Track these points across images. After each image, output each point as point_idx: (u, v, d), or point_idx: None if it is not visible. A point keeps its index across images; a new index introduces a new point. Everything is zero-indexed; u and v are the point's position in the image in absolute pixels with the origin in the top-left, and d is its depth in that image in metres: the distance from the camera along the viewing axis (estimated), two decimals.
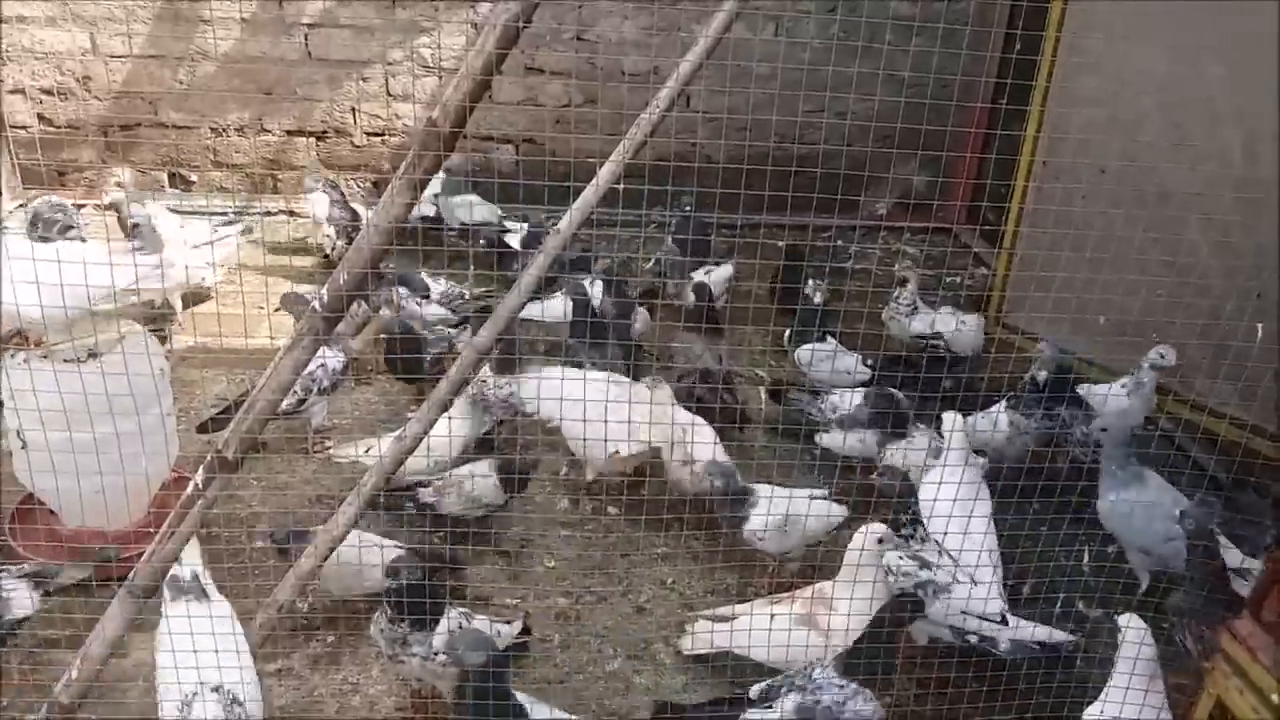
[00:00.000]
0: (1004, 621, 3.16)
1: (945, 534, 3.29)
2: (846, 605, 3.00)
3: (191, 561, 2.94)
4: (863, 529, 3.07)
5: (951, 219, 7.03)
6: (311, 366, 3.84)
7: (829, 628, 3.02)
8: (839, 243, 6.74)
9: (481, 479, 3.76)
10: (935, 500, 3.35)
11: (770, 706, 2.83)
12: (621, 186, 3.31)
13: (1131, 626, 2.83)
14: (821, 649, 3.02)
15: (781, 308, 5.29)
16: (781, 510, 3.55)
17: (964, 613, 3.16)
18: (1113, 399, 4.11)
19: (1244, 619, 2.59)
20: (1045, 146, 5.15)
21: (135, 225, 5.10)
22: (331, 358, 4.27)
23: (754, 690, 2.96)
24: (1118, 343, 4.43)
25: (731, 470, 3.68)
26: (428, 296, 5.06)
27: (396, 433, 3.44)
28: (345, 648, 3.38)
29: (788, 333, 4.95)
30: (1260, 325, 3.82)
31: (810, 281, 5.08)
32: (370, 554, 3.22)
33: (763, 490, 3.64)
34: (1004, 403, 4.23)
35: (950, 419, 3.71)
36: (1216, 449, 4.14)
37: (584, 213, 3.28)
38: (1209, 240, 4.37)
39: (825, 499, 3.63)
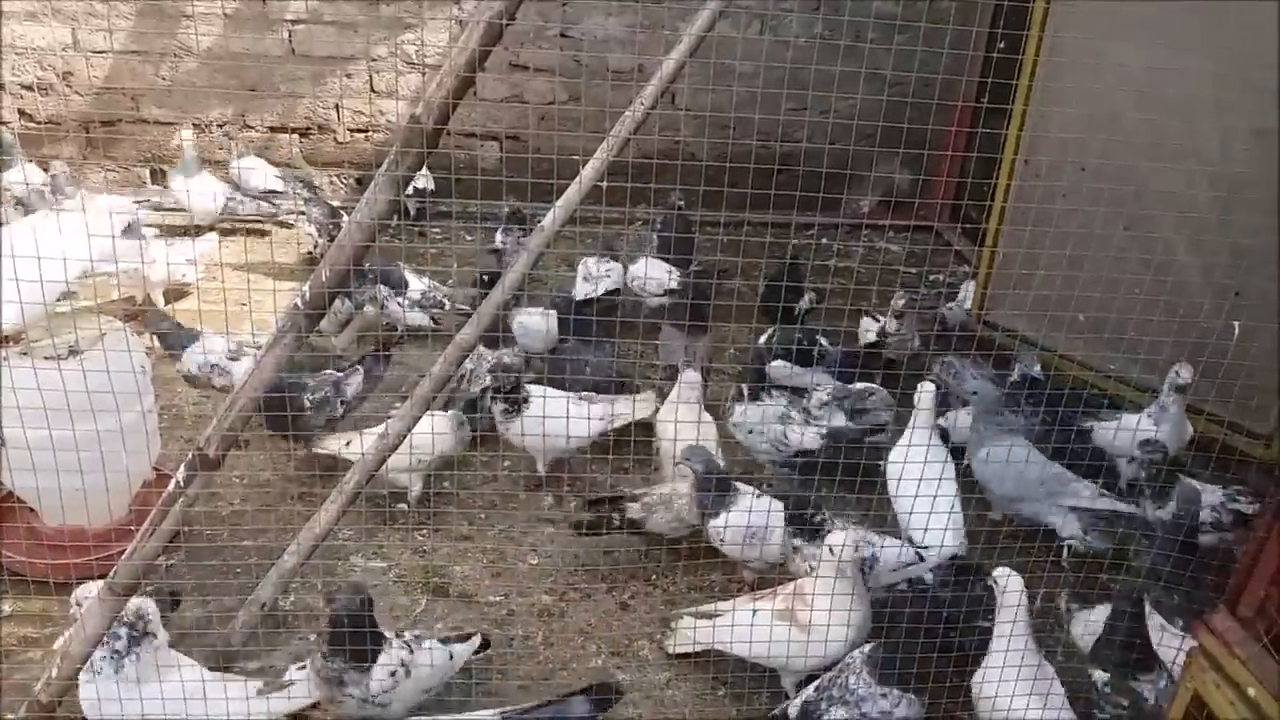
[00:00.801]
0: (922, 559, 3.41)
1: (915, 496, 3.49)
2: (823, 602, 3.01)
3: None
4: (837, 533, 3.09)
5: (934, 217, 7.07)
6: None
7: (809, 623, 3.04)
8: (823, 240, 6.76)
9: (685, 500, 3.68)
10: (904, 463, 3.62)
11: None
12: (605, 184, 3.32)
13: (1010, 579, 2.92)
14: (802, 644, 3.05)
15: (766, 305, 5.30)
16: (757, 521, 3.47)
17: (893, 570, 3.40)
18: (1141, 433, 3.97)
19: (1220, 613, 2.61)
20: (1027, 145, 5.18)
21: (128, 226, 5.06)
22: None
23: (792, 710, 2.98)
24: (1097, 339, 4.46)
25: (709, 458, 3.63)
26: (405, 288, 5.05)
27: (378, 429, 3.46)
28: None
29: (766, 335, 4.92)
30: (1237, 323, 3.86)
31: (806, 295, 5.19)
32: None
33: (746, 493, 3.59)
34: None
35: (924, 389, 3.81)
36: (1193, 445, 4.17)
37: (568, 210, 3.30)
38: (1185, 237, 4.41)
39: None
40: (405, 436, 3.25)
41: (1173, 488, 3.62)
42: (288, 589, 3.42)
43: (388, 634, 2.94)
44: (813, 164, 5.98)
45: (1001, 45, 5.28)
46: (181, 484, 2.69)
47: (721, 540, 3.55)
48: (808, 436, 4.11)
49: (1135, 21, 4.65)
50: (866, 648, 2.98)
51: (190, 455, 2.69)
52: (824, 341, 4.80)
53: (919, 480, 3.49)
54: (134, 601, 2.76)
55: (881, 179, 6.50)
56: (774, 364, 4.72)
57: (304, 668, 2.92)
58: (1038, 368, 4.30)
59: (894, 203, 6.41)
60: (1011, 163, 5.27)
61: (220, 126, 6.66)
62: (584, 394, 4.18)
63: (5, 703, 3.00)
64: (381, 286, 4.99)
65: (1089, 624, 3.19)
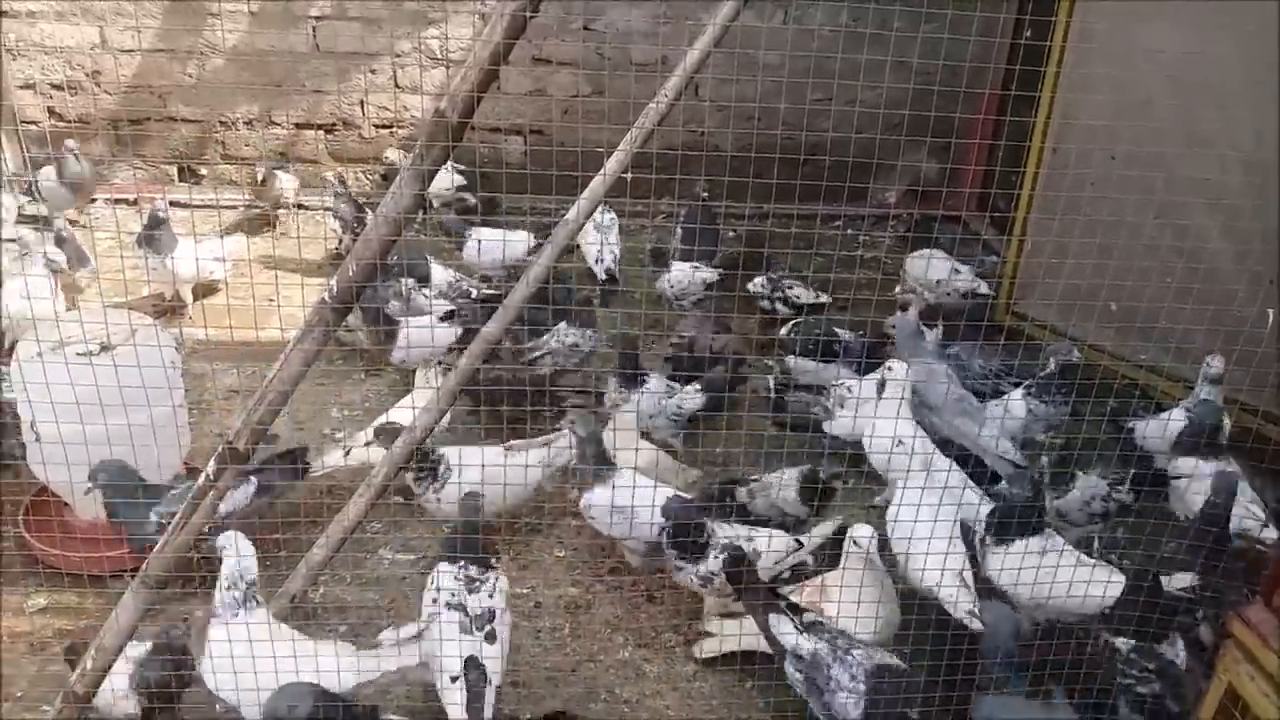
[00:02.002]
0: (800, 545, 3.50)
1: (888, 470, 3.78)
2: (848, 595, 2.98)
3: None
4: (862, 526, 3.10)
5: (961, 206, 7.01)
6: None
7: (835, 615, 3.02)
8: (849, 231, 6.72)
9: (786, 488, 3.70)
10: (874, 436, 3.79)
11: None
12: (629, 176, 3.31)
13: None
14: None
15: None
16: (622, 499, 3.40)
17: (776, 562, 3.47)
18: (1173, 424, 3.92)
19: (1256, 605, 2.58)
20: (1055, 133, 5.12)
21: (152, 219, 5.12)
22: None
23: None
24: (1128, 329, 4.41)
25: (596, 434, 3.62)
26: (427, 281, 5.06)
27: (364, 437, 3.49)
28: (356, 640, 3.39)
29: (787, 328, 4.91)
30: (1272, 311, 3.80)
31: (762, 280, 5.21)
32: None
33: (626, 473, 3.53)
34: (1022, 389, 4.20)
35: (895, 365, 3.90)
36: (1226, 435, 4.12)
37: (593, 203, 3.29)
38: (1218, 224, 4.34)
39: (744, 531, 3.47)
40: (431, 431, 3.26)
41: (1072, 477, 3.70)
42: (316, 581, 3.44)
43: None
44: (839, 154, 5.96)
45: (1028, 33, 5.22)
46: (212, 477, 2.71)
47: (590, 514, 3.57)
48: (692, 400, 4.26)
49: (1164, 5, 4.59)
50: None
51: (220, 449, 2.71)
52: (845, 334, 4.77)
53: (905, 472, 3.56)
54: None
55: (908, 169, 6.46)
56: (795, 360, 4.71)
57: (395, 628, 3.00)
58: (1075, 354, 4.23)
59: (921, 192, 6.37)
60: (1040, 151, 5.22)
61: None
62: (509, 443, 3.89)
63: (40, 694, 3.05)
64: (406, 280, 5.00)
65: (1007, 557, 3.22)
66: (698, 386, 4.32)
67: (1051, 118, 5.13)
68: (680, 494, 3.58)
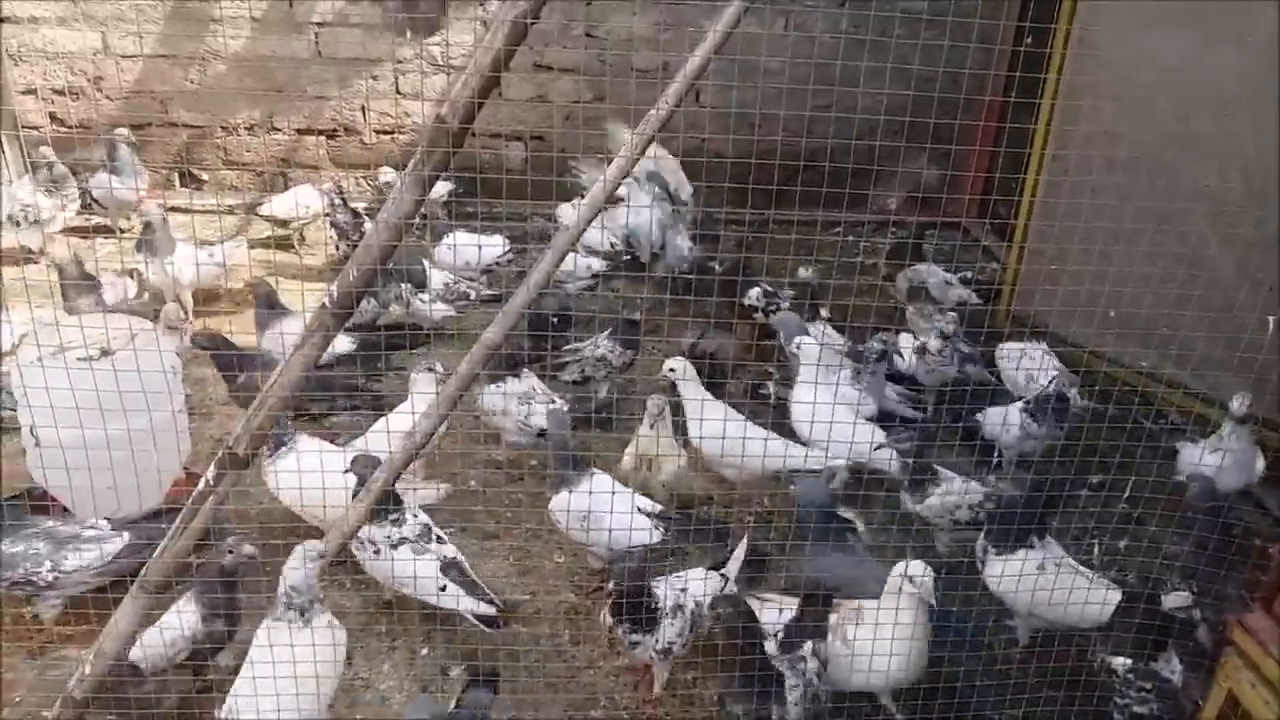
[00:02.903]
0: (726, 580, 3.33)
1: (811, 433, 3.92)
2: (879, 625, 2.93)
3: None
4: (916, 563, 2.97)
5: (961, 213, 7.01)
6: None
7: (854, 638, 3.00)
8: (849, 238, 6.73)
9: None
10: (800, 403, 4.02)
11: None
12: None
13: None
14: (845, 659, 3.01)
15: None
16: (583, 505, 3.43)
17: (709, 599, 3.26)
18: (1203, 467, 3.80)
19: (1256, 612, 2.58)
20: (1056, 139, 5.13)
21: (148, 224, 5.14)
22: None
23: None
24: (1128, 335, 4.41)
25: (565, 422, 3.74)
26: (424, 285, 5.06)
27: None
28: (356, 644, 3.39)
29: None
30: (1272, 318, 3.80)
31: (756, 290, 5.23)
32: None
33: (598, 477, 3.54)
34: (1019, 404, 4.19)
35: (808, 345, 4.20)
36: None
37: (593, 209, 3.29)
38: (1219, 231, 4.35)
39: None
40: (434, 434, 3.26)
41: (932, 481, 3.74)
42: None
43: None
44: (839, 160, 5.97)
45: (1029, 40, 5.23)
46: (211, 482, 2.71)
47: (556, 516, 3.56)
48: (539, 416, 4.11)
49: (1164, 13, 4.60)
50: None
51: (220, 454, 2.71)
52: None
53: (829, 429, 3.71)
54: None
55: (909, 175, 6.46)
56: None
57: None
58: (1074, 391, 4.19)
59: (921, 199, 6.37)
60: (1040, 158, 5.23)
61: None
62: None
63: (40, 699, 3.04)
64: (405, 284, 5.01)
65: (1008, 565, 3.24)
66: (556, 400, 4.19)
67: (1051, 124, 5.14)
68: (632, 549, 3.33)
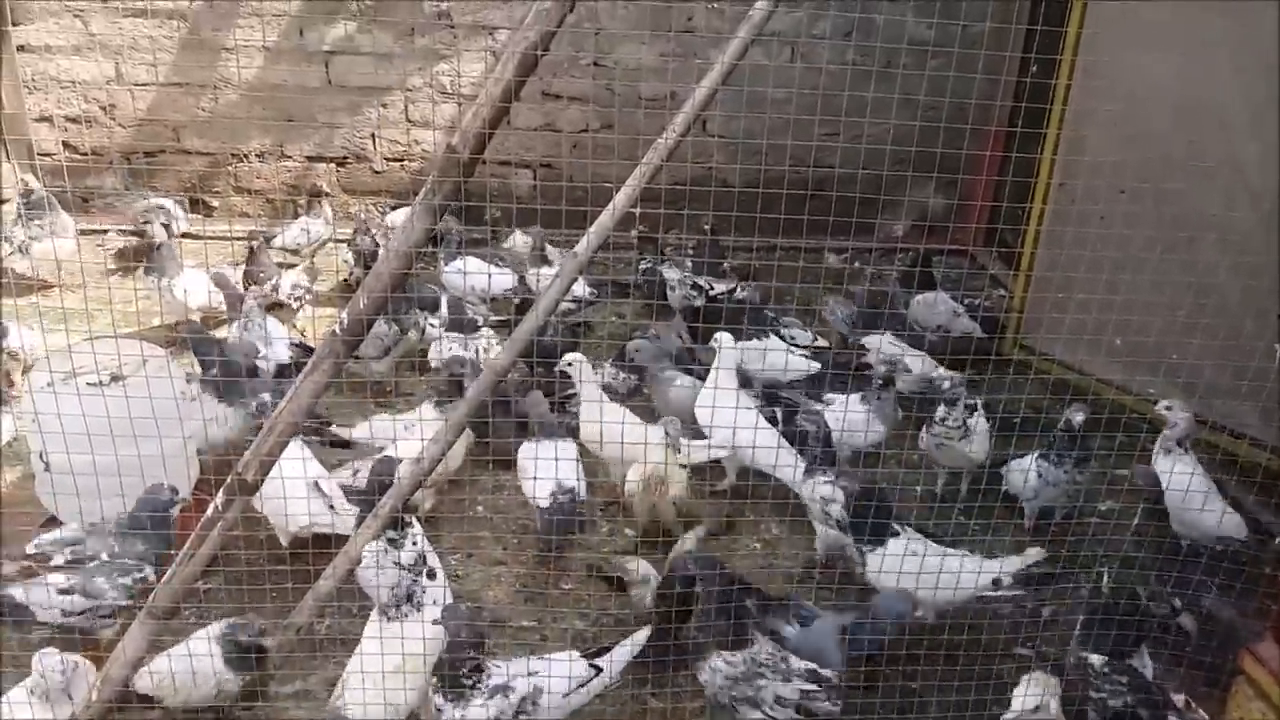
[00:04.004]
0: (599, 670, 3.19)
1: (711, 428, 4.08)
2: None
3: None
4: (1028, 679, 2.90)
5: (968, 241, 7.04)
6: None
7: None
8: (856, 264, 6.75)
9: None
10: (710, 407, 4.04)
11: None
12: (638, 210, 3.33)
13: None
14: None
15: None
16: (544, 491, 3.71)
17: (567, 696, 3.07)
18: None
19: (1266, 641, 2.57)
20: (1061, 168, 5.16)
21: (157, 246, 5.19)
22: None
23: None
24: (1136, 363, 4.41)
25: (541, 405, 4.01)
26: (435, 310, 5.09)
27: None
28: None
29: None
30: (1279, 346, 3.80)
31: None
32: None
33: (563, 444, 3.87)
34: (1035, 453, 4.08)
35: (723, 339, 4.21)
36: (1236, 470, 4.10)
37: (601, 236, 3.31)
38: (1226, 259, 4.36)
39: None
40: (440, 460, 3.27)
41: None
42: (324, 613, 3.44)
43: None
44: (845, 189, 6.00)
45: (1034, 69, 5.27)
46: (220, 507, 2.72)
47: (538, 505, 3.80)
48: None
49: (1169, 42, 4.63)
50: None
51: (229, 480, 2.72)
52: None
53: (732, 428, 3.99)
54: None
55: (915, 203, 6.49)
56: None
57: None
58: (1080, 418, 4.07)
59: (928, 227, 6.40)
60: (1046, 186, 5.25)
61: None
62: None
63: None
64: (422, 312, 5.04)
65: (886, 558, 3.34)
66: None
67: (1058, 153, 5.17)
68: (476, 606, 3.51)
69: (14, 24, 6.29)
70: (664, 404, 4.51)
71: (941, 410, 4.15)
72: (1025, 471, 4.02)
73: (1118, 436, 4.17)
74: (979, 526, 4.17)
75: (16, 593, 3.09)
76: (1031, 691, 2.80)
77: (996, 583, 3.34)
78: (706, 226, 5.75)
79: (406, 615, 2.94)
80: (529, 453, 3.93)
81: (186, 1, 6.44)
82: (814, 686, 2.93)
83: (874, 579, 3.39)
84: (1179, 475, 3.71)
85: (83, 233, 6.19)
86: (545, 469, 3.77)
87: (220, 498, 2.74)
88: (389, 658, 2.83)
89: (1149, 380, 4.51)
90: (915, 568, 3.21)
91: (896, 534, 3.38)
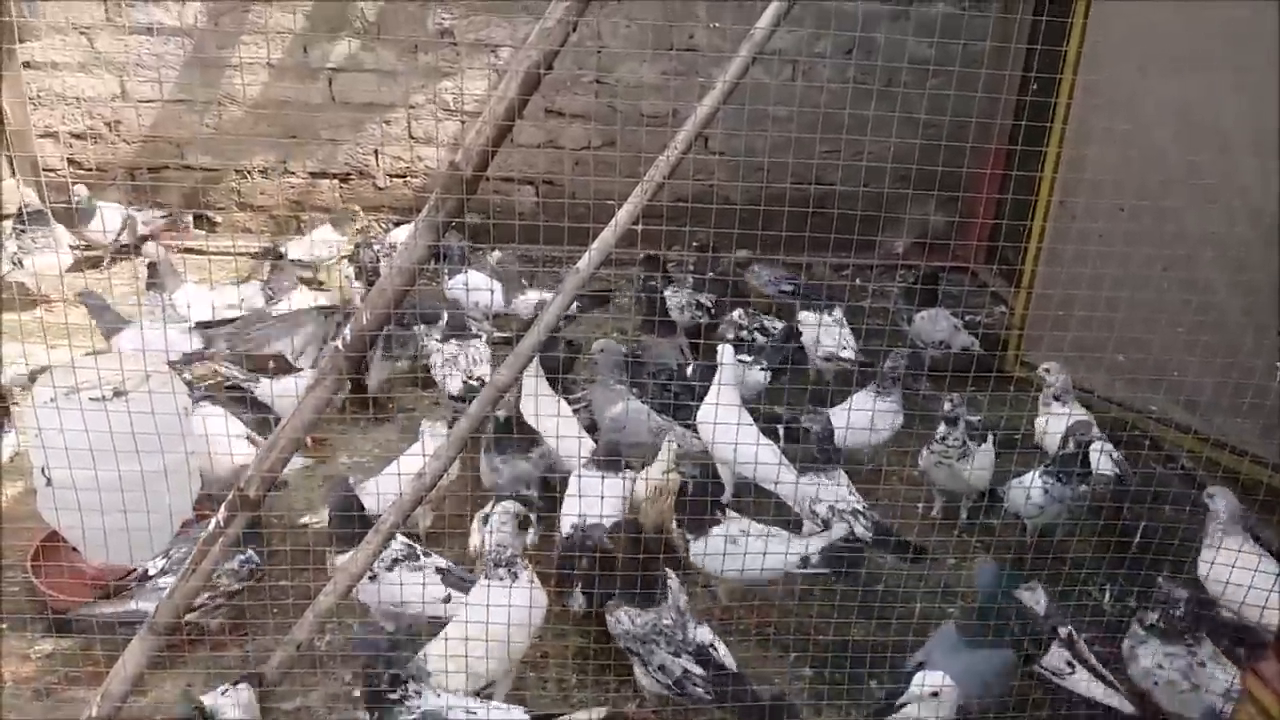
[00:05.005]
0: None
1: (714, 441, 4.09)
2: None
3: None
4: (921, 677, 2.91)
5: (969, 258, 7.05)
6: None
7: None
8: (857, 281, 6.76)
9: None
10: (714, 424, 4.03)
11: None
12: (640, 227, 3.34)
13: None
14: None
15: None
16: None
17: None
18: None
19: (1269, 660, 2.56)
20: (1062, 186, 5.17)
21: (152, 264, 5.21)
22: None
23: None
24: (1136, 381, 4.42)
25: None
26: (436, 324, 5.08)
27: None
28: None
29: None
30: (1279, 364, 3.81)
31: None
32: None
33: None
34: (1040, 469, 4.07)
35: (724, 350, 4.18)
36: (1238, 488, 4.09)
37: (603, 253, 3.32)
38: (1226, 277, 4.37)
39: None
40: (442, 476, 3.27)
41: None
42: (324, 629, 3.43)
43: None
44: (847, 206, 6.02)
45: (1034, 88, 5.29)
46: (222, 524, 2.73)
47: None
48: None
49: (1169, 60, 4.65)
50: None
51: (231, 495, 2.73)
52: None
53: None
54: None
55: (916, 220, 6.50)
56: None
57: None
58: (1094, 431, 4.10)
59: (929, 244, 6.41)
60: (1047, 204, 5.27)
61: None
62: None
63: None
64: (421, 326, 5.03)
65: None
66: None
67: (1058, 172, 5.19)
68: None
69: (20, 41, 6.32)
70: (599, 414, 4.47)
71: (942, 429, 4.13)
72: (1029, 488, 4.00)
73: (1119, 453, 4.18)
74: (979, 545, 4.18)
75: (140, 605, 3.23)
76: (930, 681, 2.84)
77: (804, 561, 3.51)
78: (695, 243, 5.79)
79: (504, 581, 3.09)
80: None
81: (192, 20, 6.48)
82: (698, 670, 3.07)
83: (698, 561, 3.60)
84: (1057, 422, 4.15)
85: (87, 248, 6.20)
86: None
87: (222, 514, 2.74)
88: (475, 626, 2.94)
89: (1150, 397, 4.51)
90: (736, 551, 3.44)
91: (719, 522, 3.60)
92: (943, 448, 4.13)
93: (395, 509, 3.25)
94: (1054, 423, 4.28)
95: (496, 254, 6.04)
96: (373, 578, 3.32)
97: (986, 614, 3.15)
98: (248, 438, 4.07)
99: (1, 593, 3.51)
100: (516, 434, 4.01)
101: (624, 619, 3.19)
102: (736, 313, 5.34)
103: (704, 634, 3.19)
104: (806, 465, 3.90)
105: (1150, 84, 4.67)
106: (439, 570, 3.44)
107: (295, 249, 6.11)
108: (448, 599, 3.34)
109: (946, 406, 4.15)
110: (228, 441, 3.90)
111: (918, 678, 2.86)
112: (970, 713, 3.03)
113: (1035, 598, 3.41)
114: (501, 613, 3.01)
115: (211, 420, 3.99)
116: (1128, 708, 3.18)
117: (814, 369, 5.18)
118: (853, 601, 3.67)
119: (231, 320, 4.98)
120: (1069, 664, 3.27)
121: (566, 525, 3.68)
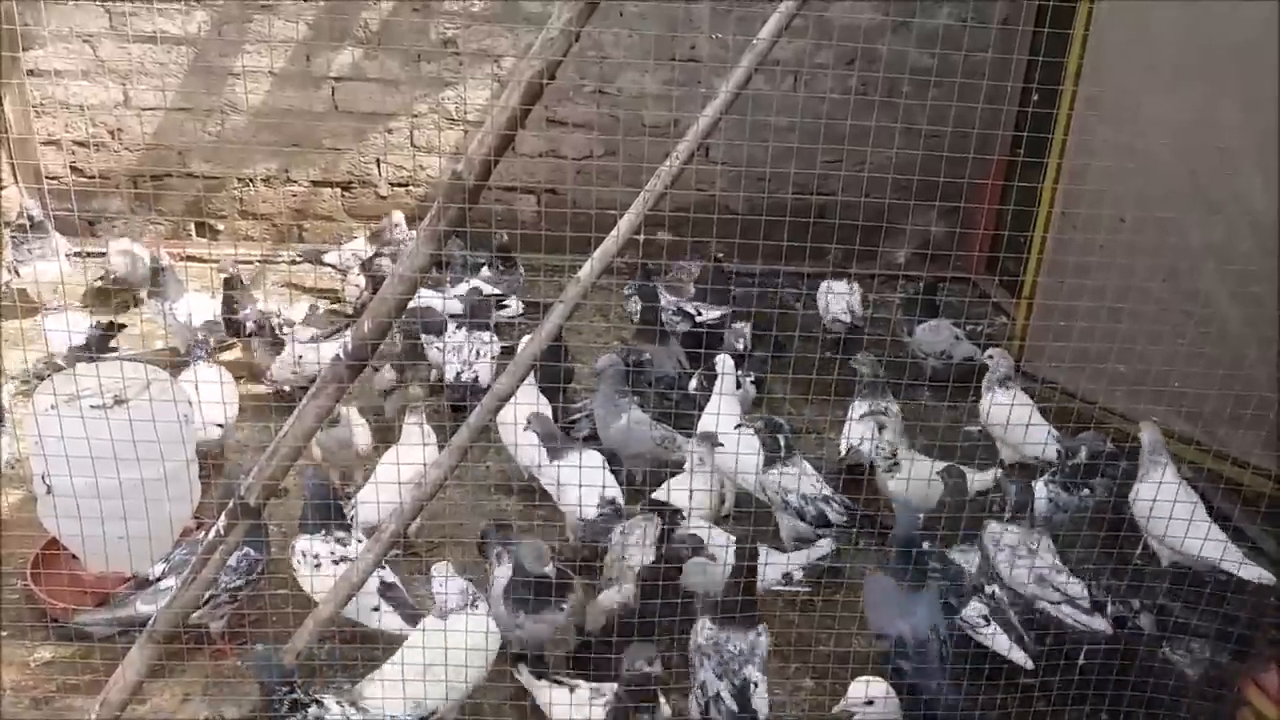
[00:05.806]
0: None
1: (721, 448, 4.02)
2: None
3: None
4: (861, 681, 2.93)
5: (970, 268, 7.05)
6: None
7: None
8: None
9: None
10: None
11: None
12: (642, 236, 3.35)
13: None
14: None
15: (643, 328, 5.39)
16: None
17: None
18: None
19: (1271, 671, 2.56)
20: (1063, 197, 5.18)
21: (155, 271, 5.21)
22: None
23: None
24: (1138, 392, 4.41)
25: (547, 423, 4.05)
26: (441, 333, 5.07)
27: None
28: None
29: None
30: None
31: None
32: None
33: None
34: (1045, 476, 4.09)
35: (725, 363, 4.29)
36: (1240, 499, 4.09)
37: (604, 262, 3.32)
38: (1227, 288, 4.36)
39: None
40: (442, 485, 3.26)
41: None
42: (323, 638, 3.42)
43: None
44: (848, 216, 6.01)
45: (1035, 99, 5.30)
46: (222, 532, 2.72)
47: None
48: None
49: (1171, 71, 4.66)
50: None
51: (231, 503, 2.72)
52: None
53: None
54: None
55: (918, 231, 6.50)
56: None
57: None
58: (1109, 442, 4.10)
59: (930, 254, 6.41)
60: (1048, 214, 5.27)
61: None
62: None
63: None
64: (423, 334, 5.04)
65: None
66: None
67: (1059, 183, 5.19)
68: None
69: (24, 49, 6.34)
70: (603, 430, 4.42)
71: (879, 436, 4.30)
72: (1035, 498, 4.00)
73: (1121, 464, 4.17)
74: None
75: (141, 609, 3.25)
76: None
77: (787, 577, 3.59)
78: (719, 254, 5.79)
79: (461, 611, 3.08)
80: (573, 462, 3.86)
81: (195, 28, 6.49)
82: (730, 701, 3.00)
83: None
84: (999, 407, 4.35)
85: (89, 255, 6.20)
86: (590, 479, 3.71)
87: (222, 522, 2.74)
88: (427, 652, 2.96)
89: (1151, 409, 4.50)
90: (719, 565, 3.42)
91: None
92: (877, 455, 4.22)
93: (395, 517, 3.25)
94: (997, 409, 4.43)
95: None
96: (318, 565, 3.43)
97: (905, 557, 3.26)
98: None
99: (1, 600, 3.50)
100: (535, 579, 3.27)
101: (703, 629, 3.15)
102: (739, 324, 5.35)
103: (755, 674, 3.07)
104: (772, 457, 3.94)
105: (1151, 95, 4.68)
106: (382, 584, 3.43)
107: (331, 255, 6.18)
108: (376, 608, 3.38)
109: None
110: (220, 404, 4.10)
111: (853, 687, 2.84)
112: (943, 643, 3.14)
113: (968, 558, 3.53)
114: (456, 639, 2.98)
115: (204, 374, 4.22)
116: (1029, 665, 3.25)
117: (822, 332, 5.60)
118: (853, 612, 3.66)
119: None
120: (984, 619, 3.33)
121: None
